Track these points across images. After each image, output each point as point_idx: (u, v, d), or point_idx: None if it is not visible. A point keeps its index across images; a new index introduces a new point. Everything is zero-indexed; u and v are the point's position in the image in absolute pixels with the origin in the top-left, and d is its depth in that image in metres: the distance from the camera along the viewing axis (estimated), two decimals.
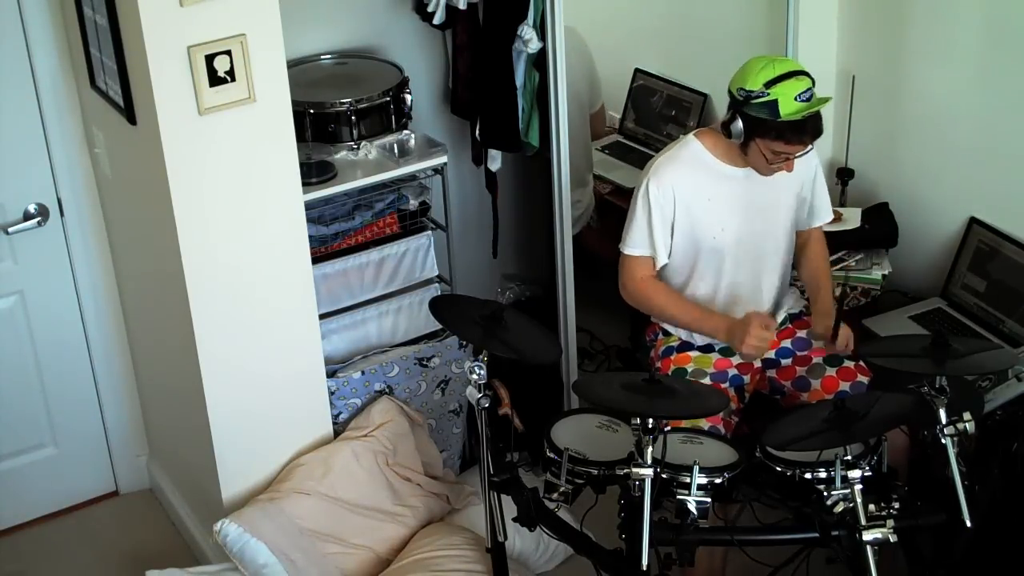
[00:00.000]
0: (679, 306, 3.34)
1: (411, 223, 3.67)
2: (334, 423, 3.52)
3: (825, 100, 3.13)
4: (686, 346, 3.44)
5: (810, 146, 3.18)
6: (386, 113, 3.60)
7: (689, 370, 3.37)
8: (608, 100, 4.63)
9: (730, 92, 3.20)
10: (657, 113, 4.68)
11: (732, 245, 3.31)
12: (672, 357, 3.42)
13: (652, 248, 3.30)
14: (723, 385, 3.34)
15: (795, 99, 3.09)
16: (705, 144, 3.30)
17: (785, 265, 3.45)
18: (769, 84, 3.11)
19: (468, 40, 3.77)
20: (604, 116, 4.69)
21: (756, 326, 3.16)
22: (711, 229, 3.29)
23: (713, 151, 3.29)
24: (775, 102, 3.10)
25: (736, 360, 3.39)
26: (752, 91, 3.13)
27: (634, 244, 3.32)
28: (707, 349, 3.42)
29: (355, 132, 3.56)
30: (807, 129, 3.13)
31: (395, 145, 3.59)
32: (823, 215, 3.51)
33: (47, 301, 3.71)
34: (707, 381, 3.33)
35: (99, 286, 3.77)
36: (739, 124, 3.17)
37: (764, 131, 3.14)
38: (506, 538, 3.17)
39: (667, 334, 3.47)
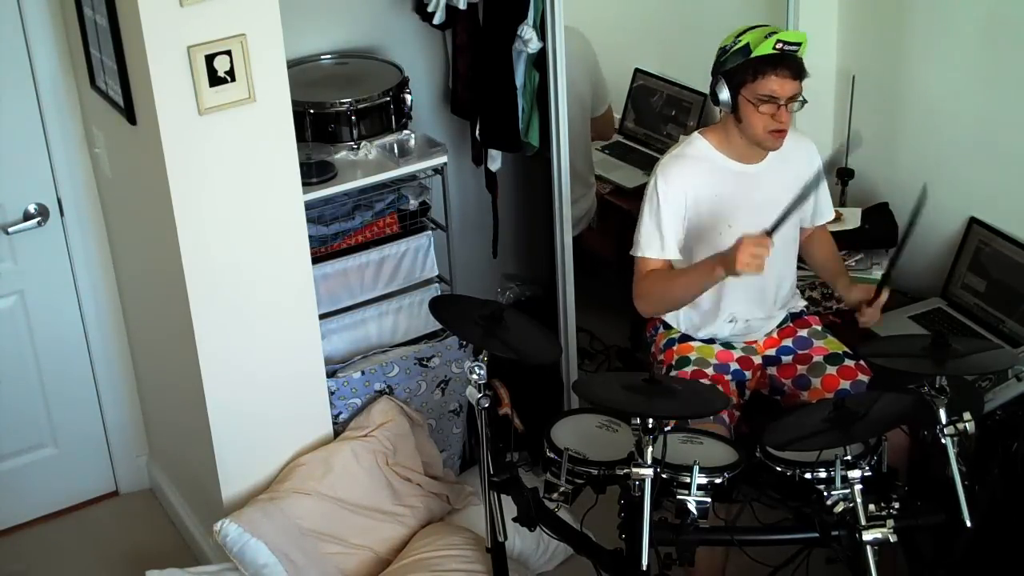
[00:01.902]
0: (679, 276, 3.27)
1: (411, 223, 3.68)
2: (334, 423, 3.52)
3: (799, 34, 3.13)
4: (687, 338, 3.43)
5: (799, 93, 3.14)
6: (386, 113, 3.60)
7: (692, 359, 3.37)
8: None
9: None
10: (657, 113, 4.68)
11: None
12: (674, 348, 3.42)
13: (663, 247, 3.27)
14: (725, 377, 3.35)
15: (766, 37, 3.11)
16: (711, 141, 3.30)
17: (791, 262, 3.45)
18: (741, 34, 3.16)
19: (468, 40, 3.77)
20: (611, 119, 4.67)
21: (747, 243, 3.01)
22: (718, 226, 3.29)
23: (719, 148, 3.29)
24: (747, 45, 3.13)
25: (738, 354, 3.39)
26: (726, 46, 3.17)
27: (646, 246, 3.29)
28: (709, 341, 3.42)
29: (355, 132, 3.56)
30: (784, 62, 3.11)
31: (395, 145, 3.59)
32: (825, 214, 3.51)
33: (47, 301, 3.72)
34: (710, 371, 3.33)
35: (99, 286, 3.77)
36: (722, 86, 3.19)
37: (742, 76, 3.14)
38: (506, 538, 3.17)
39: (667, 327, 3.47)
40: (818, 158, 3.43)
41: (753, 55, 3.12)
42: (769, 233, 3.06)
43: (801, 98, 3.17)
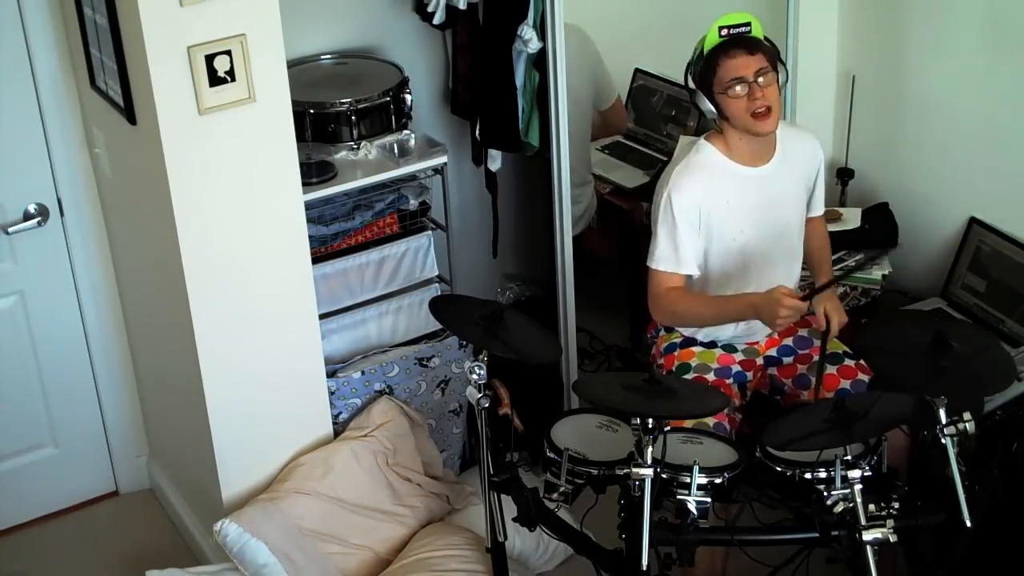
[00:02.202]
0: (705, 302, 3.30)
1: (411, 223, 3.68)
2: (334, 423, 3.52)
3: (742, 15, 3.17)
4: (689, 342, 3.43)
5: (765, 67, 3.15)
6: (386, 113, 3.60)
7: (693, 365, 3.37)
8: None
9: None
10: (657, 113, 4.68)
11: (752, 244, 3.30)
12: (675, 353, 3.42)
13: (678, 262, 3.25)
14: (727, 381, 3.34)
15: (715, 31, 3.18)
16: (717, 147, 3.30)
17: (800, 259, 3.45)
18: (698, 44, 3.23)
19: (468, 40, 3.77)
20: (622, 109, 4.67)
21: (786, 303, 3.09)
22: (731, 231, 3.28)
23: (726, 153, 3.29)
24: (702, 48, 3.21)
25: (740, 357, 3.39)
26: (690, 60, 3.24)
27: (659, 259, 3.27)
28: (710, 345, 3.41)
29: (355, 132, 3.56)
30: (733, 44, 3.16)
31: (395, 145, 3.59)
32: (816, 209, 3.51)
33: (47, 301, 3.71)
34: (711, 377, 3.33)
35: (99, 286, 3.77)
36: (700, 96, 3.23)
37: (707, 76, 3.19)
38: (506, 538, 3.17)
39: (669, 330, 3.47)
40: (820, 151, 3.43)
41: (706, 51, 3.18)
42: (804, 298, 3.15)
43: (774, 71, 3.18)
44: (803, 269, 3.57)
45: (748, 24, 3.17)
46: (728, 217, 3.28)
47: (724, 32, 3.16)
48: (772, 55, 3.20)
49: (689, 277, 3.29)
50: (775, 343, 3.44)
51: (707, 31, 3.20)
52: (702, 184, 3.26)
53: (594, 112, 4.46)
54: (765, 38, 3.21)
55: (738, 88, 3.15)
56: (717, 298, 3.31)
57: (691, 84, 3.26)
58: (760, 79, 3.15)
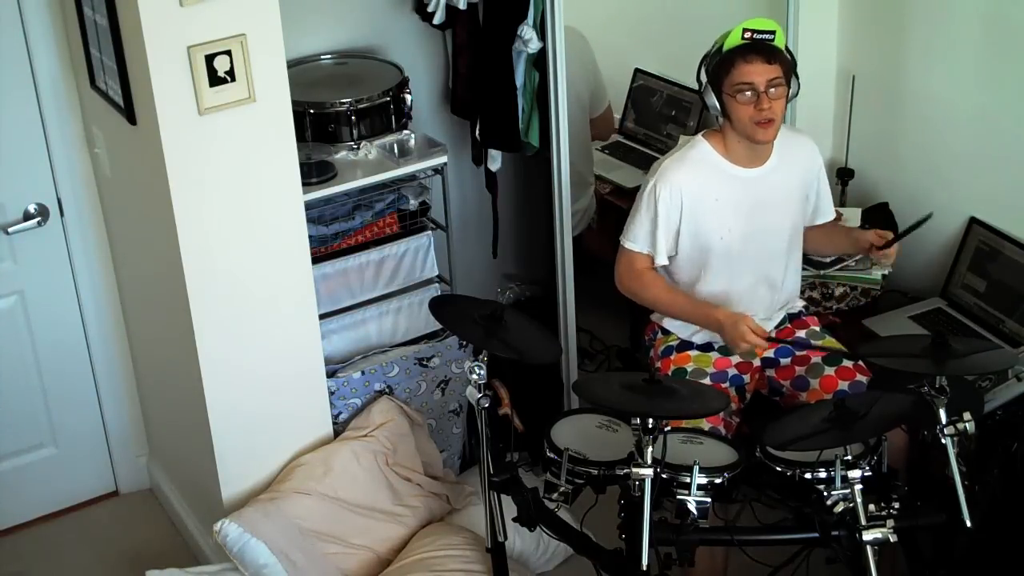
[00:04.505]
0: (671, 297, 3.35)
1: (411, 223, 3.68)
2: (334, 423, 3.52)
3: (768, 22, 3.16)
4: (686, 345, 3.43)
5: (778, 78, 3.15)
6: (386, 113, 3.60)
7: (689, 370, 3.37)
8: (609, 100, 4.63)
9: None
10: (657, 113, 4.68)
11: (739, 245, 3.31)
12: (672, 357, 3.42)
13: (652, 247, 3.31)
14: (723, 385, 3.34)
15: (739, 31, 3.16)
16: (713, 145, 3.30)
17: (794, 263, 3.45)
18: (719, 40, 3.21)
19: (468, 40, 3.77)
20: (611, 118, 4.67)
21: (749, 334, 3.16)
22: (718, 230, 3.29)
23: (721, 152, 3.29)
24: (721, 46, 3.19)
25: (736, 360, 3.39)
26: (707, 53, 3.23)
27: (634, 239, 3.33)
28: (707, 348, 3.41)
29: (355, 132, 3.56)
30: (753, 49, 3.15)
31: (395, 145, 3.59)
32: (826, 214, 3.51)
33: (47, 301, 3.72)
34: (707, 381, 3.33)
35: (99, 286, 3.77)
36: (708, 92, 3.23)
37: (719, 74, 3.18)
38: (506, 538, 3.17)
39: (666, 333, 3.47)
40: (818, 154, 3.43)
41: (724, 49, 3.17)
42: (770, 339, 3.24)
43: (787, 84, 3.18)
44: (803, 269, 3.58)
45: (773, 32, 3.16)
46: (715, 216, 3.28)
47: (747, 35, 3.15)
48: (788, 67, 3.20)
49: (654, 261, 3.33)
50: (772, 344, 3.44)
51: (728, 32, 3.18)
52: (690, 178, 3.27)
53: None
54: (786, 48, 3.21)
55: (747, 94, 3.15)
56: (686, 299, 3.35)
57: (702, 77, 3.25)
58: (771, 90, 3.15)
